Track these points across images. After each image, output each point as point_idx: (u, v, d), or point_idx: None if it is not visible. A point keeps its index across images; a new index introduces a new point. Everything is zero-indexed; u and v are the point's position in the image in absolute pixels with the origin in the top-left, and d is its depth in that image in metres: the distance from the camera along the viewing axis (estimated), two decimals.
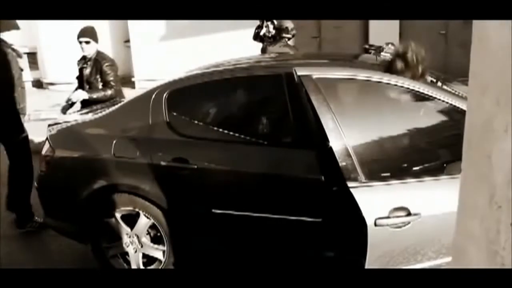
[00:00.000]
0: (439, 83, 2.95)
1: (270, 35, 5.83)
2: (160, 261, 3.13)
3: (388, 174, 2.51)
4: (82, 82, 4.70)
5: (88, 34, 4.65)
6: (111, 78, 4.56)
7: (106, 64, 4.59)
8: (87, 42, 4.63)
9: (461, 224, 1.13)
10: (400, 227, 2.36)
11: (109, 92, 4.46)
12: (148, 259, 3.18)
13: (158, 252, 3.12)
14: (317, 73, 2.69)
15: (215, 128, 3.02)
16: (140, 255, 3.15)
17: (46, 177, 3.33)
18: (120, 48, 11.51)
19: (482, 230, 1.03)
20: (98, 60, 4.61)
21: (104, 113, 3.37)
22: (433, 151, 2.70)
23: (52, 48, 10.83)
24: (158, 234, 3.09)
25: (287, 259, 2.90)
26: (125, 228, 3.11)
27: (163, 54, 10.20)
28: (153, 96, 3.09)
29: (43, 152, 3.31)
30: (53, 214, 3.40)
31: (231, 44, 8.47)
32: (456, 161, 2.24)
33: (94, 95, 4.43)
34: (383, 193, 2.41)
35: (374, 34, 9.34)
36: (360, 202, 2.32)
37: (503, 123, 0.96)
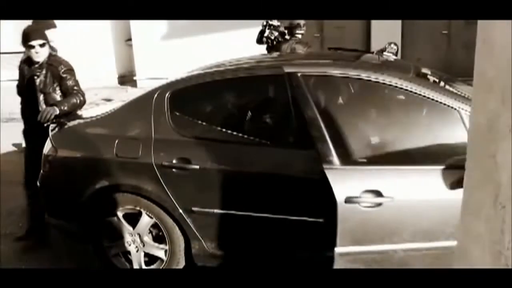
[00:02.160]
0: (442, 83, 2.96)
1: (273, 37, 5.90)
2: (162, 260, 3.13)
3: (364, 160, 2.70)
4: (34, 94, 3.78)
5: (41, 34, 3.79)
6: (73, 83, 3.78)
7: (65, 69, 3.78)
8: (42, 45, 3.75)
9: (465, 224, 1.13)
10: (371, 207, 2.52)
11: (78, 100, 3.70)
12: (150, 258, 3.19)
13: (160, 251, 3.12)
14: (302, 71, 2.83)
15: (217, 128, 3.03)
16: (142, 254, 3.14)
17: (48, 177, 3.33)
18: (122, 46, 11.52)
19: (486, 230, 1.03)
20: (53, 65, 3.78)
21: (106, 113, 3.36)
22: (411, 142, 2.81)
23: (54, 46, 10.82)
24: (160, 233, 3.09)
25: (287, 260, 2.90)
26: (127, 227, 3.11)
27: (165, 53, 10.20)
28: (155, 96, 3.08)
29: (45, 151, 3.31)
30: (55, 213, 3.40)
31: (233, 43, 8.47)
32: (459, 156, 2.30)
33: (65, 107, 3.59)
34: (356, 176, 2.59)
35: (376, 34, 9.32)
36: (333, 182, 2.52)
37: (508, 122, 0.96)
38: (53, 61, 3.82)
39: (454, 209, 2.40)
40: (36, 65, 3.80)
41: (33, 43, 3.72)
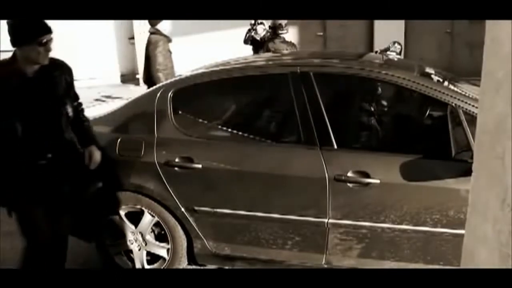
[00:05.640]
0: (446, 83, 2.95)
1: (258, 38, 5.95)
2: (164, 259, 3.13)
3: (358, 145, 3.04)
4: (58, 118, 2.65)
5: (48, 26, 2.56)
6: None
7: (70, 69, 2.81)
8: (51, 40, 2.60)
9: (471, 226, 1.12)
10: (359, 186, 2.65)
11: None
12: (152, 257, 3.18)
13: (162, 250, 3.11)
14: (313, 70, 2.91)
15: (220, 127, 3.03)
16: (144, 252, 3.14)
17: None
18: (124, 45, 11.52)
19: (493, 232, 1.01)
20: (63, 66, 2.78)
21: (109, 111, 3.36)
22: (404, 134, 3.12)
23: (56, 45, 10.82)
24: (162, 232, 3.08)
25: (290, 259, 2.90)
26: (129, 226, 3.11)
27: None
28: (158, 94, 3.07)
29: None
30: None
31: (236, 42, 8.46)
32: (465, 151, 2.44)
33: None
34: (348, 157, 2.74)
35: (380, 33, 9.30)
36: (326, 161, 2.69)
37: None
38: (58, 62, 2.78)
39: (439, 197, 2.50)
40: (39, 71, 2.61)
41: (46, 37, 2.54)
